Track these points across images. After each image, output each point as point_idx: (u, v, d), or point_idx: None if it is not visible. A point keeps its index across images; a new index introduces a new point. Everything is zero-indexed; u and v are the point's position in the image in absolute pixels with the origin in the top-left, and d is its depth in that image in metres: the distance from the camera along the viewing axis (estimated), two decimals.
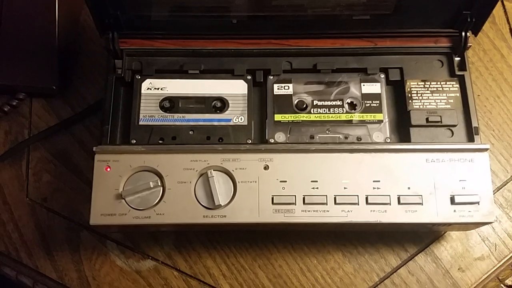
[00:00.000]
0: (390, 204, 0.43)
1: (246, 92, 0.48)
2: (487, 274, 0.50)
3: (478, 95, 0.55)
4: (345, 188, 0.44)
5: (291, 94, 0.48)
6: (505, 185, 0.53)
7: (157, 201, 0.43)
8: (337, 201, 0.43)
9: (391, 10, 0.47)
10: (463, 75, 0.47)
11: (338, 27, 0.48)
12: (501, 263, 0.51)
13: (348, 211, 0.43)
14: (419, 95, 0.47)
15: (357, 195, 0.43)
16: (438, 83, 0.48)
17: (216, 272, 0.50)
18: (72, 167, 0.53)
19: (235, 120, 0.47)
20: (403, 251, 0.51)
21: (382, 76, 0.49)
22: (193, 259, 0.51)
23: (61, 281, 0.50)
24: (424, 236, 0.51)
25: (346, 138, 0.47)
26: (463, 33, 0.47)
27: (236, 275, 0.50)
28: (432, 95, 0.47)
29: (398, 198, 0.43)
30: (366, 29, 0.49)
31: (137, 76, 0.48)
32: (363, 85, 0.48)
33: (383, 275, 0.50)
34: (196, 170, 0.44)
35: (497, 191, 0.53)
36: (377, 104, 0.48)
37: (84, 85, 0.56)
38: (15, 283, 0.52)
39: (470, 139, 0.46)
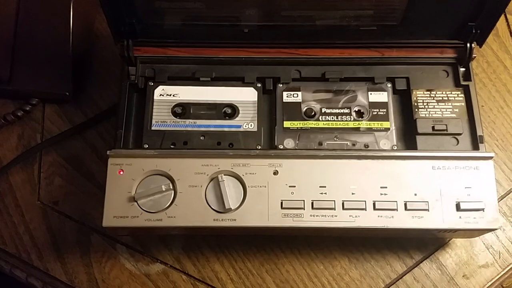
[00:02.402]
0: (397, 210, 0.44)
1: (256, 99, 0.49)
2: (491, 282, 0.51)
3: (482, 106, 0.56)
4: (353, 193, 0.44)
5: (300, 102, 0.49)
6: (509, 194, 0.54)
7: (168, 204, 0.44)
8: (345, 206, 0.44)
9: (398, 22, 0.48)
10: (468, 85, 0.49)
11: (346, 38, 0.50)
12: (505, 270, 0.51)
13: (356, 216, 0.44)
14: (425, 104, 0.48)
15: (365, 201, 0.44)
16: (444, 92, 0.49)
17: (224, 277, 0.51)
18: (84, 171, 0.54)
19: (245, 126, 0.48)
20: (409, 257, 0.51)
21: (389, 85, 0.50)
22: (201, 263, 0.51)
23: (71, 283, 0.51)
24: (429, 243, 0.52)
25: (353, 145, 0.48)
26: (468, 44, 0.48)
27: (243, 279, 0.51)
28: (437, 104, 0.48)
29: (405, 204, 0.44)
30: (373, 40, 0.50)
31: (150, 83, 0.49)
32: (370, 93, 0.49)
33: (389, 281, 0.51)
34: (207, 175, 0.45)
35: (501, 200, 0.53)
36: (384, 113, 0.49)
37: (96, 91, 0.57)
38: (25, 285, 0.52)
39: (475, 147, 0.47)
